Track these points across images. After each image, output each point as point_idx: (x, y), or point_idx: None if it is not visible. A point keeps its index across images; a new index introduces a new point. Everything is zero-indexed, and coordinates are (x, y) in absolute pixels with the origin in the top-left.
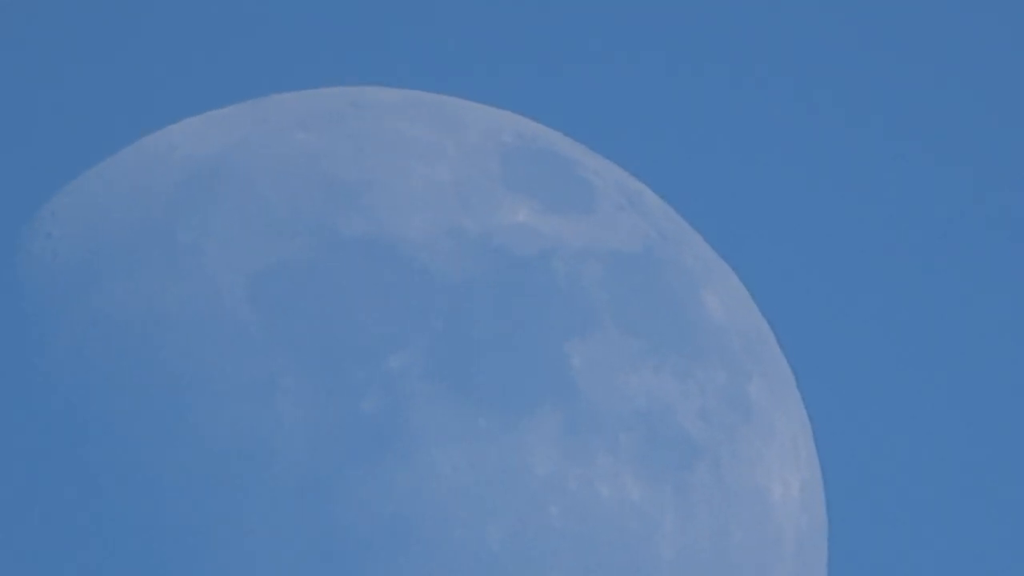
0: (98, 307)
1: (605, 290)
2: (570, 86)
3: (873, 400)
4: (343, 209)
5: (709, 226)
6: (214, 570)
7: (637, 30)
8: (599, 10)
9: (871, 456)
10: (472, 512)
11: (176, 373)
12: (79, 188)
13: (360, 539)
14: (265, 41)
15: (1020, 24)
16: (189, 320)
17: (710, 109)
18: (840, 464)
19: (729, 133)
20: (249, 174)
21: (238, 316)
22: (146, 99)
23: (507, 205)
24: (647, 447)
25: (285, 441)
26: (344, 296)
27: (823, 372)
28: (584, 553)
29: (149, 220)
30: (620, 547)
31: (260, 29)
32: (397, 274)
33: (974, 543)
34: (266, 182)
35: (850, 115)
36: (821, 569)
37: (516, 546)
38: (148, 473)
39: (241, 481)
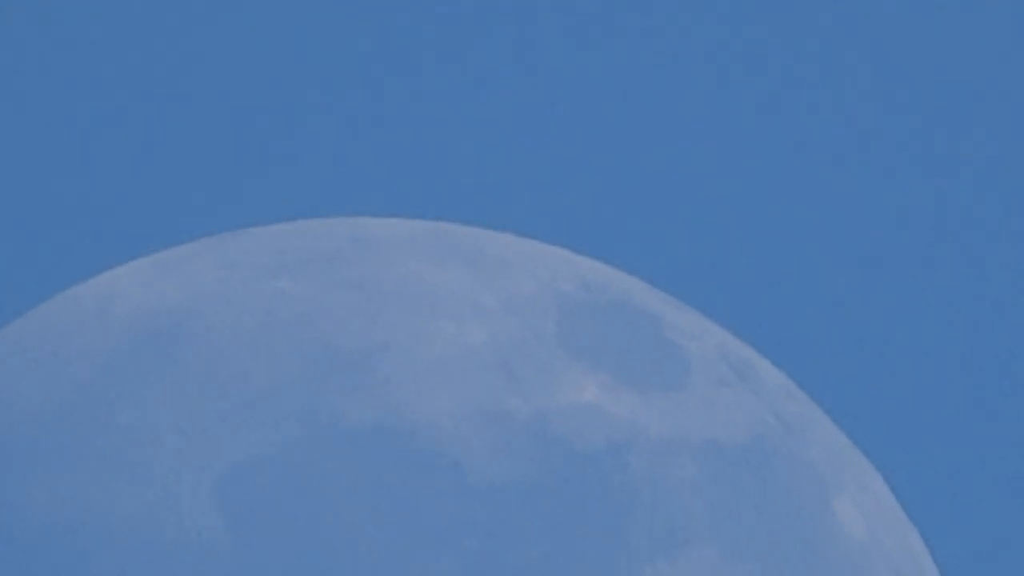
0: (7, 516)
1: (702, 495)
2: (650, 216)
3: None
4: (344, 386)
5: (843, 408)
6: None
7: (742, 141)
8: (682, 116)
9: None
10: None
11: None
12: None
13: None
14: (235, 157)
15: None
16: (135, 535)
17: (840, 251)
18: None
19: (867, 284)
20: (216, 337)
21: (202, 530)
22: (76, 236)
23: (567, 379)
24: None
25: None
26: (345, 506)
27: None
28: None
29: (80, 398)
30: None
31: (228, 141)
32: (418, 475)
33: None
34: (240, 347)
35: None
36: None
37: None
38: None
39: None
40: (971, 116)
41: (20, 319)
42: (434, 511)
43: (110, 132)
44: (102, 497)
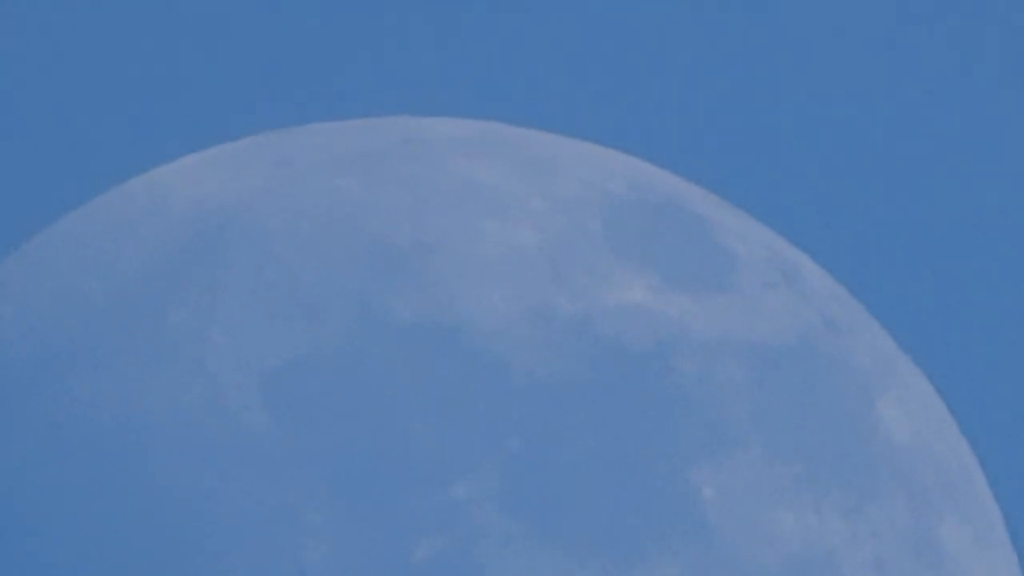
0: (60, 413)
1: (747, 397)
2: (700, 117)
3: None
4: (393, 283)
5: (893, 312)
6: None
7: (798, 38)
8: (735, 12)
9: None
10: None
11: (164, 503)
12: (34, 252)
13: None
14: (288, 54)
15: None
16: (183, 431)
17: (900, 150)
18: None
19: (923, 183)
20: (267, 234)
21: (250, 427)
22: (126, 129)
23: (614, 279)
24: None
25: None
26: (393, 402)
27: None
28: None
29: (130, 296)
30: None
31: (279, 37)
32: (464, 372)
33: None
34: (290, 245)
35: None
36: None
37: None
38: None
39: None
40: None
41: (72, 214)
42: (480, 409)
43: (162, 26)
44: (153, 396)
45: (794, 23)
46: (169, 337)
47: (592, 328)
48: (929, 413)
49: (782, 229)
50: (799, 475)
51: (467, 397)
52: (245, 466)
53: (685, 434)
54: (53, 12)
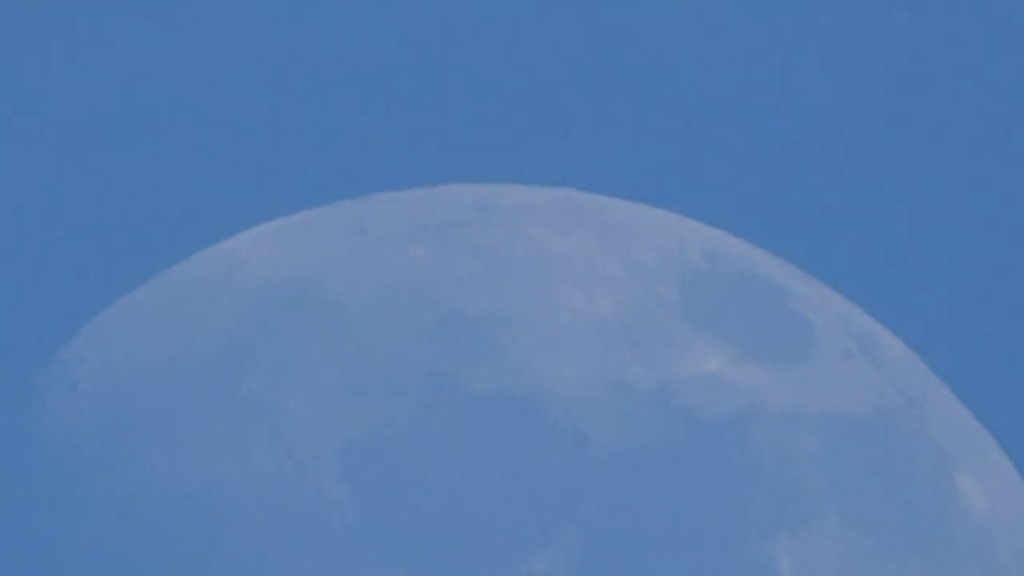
0: (135, 484)
1: (824, 469)
2: (777, 186)
3: None
4: (469, 355)
5: (969, 384)
6: None
7: (873, 111)
8: (814, 87)
9: None
10: None
11: (240, 574)
12: (111, 322)
13: None
14: (364, 124)
15: None
16: (259, 503)
17: (965, 223)
18: None
19: (993, 257)
20: (343, 305)
21: (327, 499)
22: (202, 200)
23: (691, 350)
24: None
25: None
26: (469, 474)
27: None
28: None
29: (205, 366)
30: None
31: (357, 107)
32: (540, 443)
33: None
34: (366, 316)
35: None
36: None
37: None
38: None
39: None
40: None
41: (150, 282)
42: (557, 480)
43: (242, 96)
44: (229, 467)
45: (866, 97)
46: (245, 408)
47: (669, 398)
48: (1005, 485)
49: (859, 299)
50: (876, 547)
51: (544, 469)
52: (321, 538)
53: (764, 505)
54: (131, 77)
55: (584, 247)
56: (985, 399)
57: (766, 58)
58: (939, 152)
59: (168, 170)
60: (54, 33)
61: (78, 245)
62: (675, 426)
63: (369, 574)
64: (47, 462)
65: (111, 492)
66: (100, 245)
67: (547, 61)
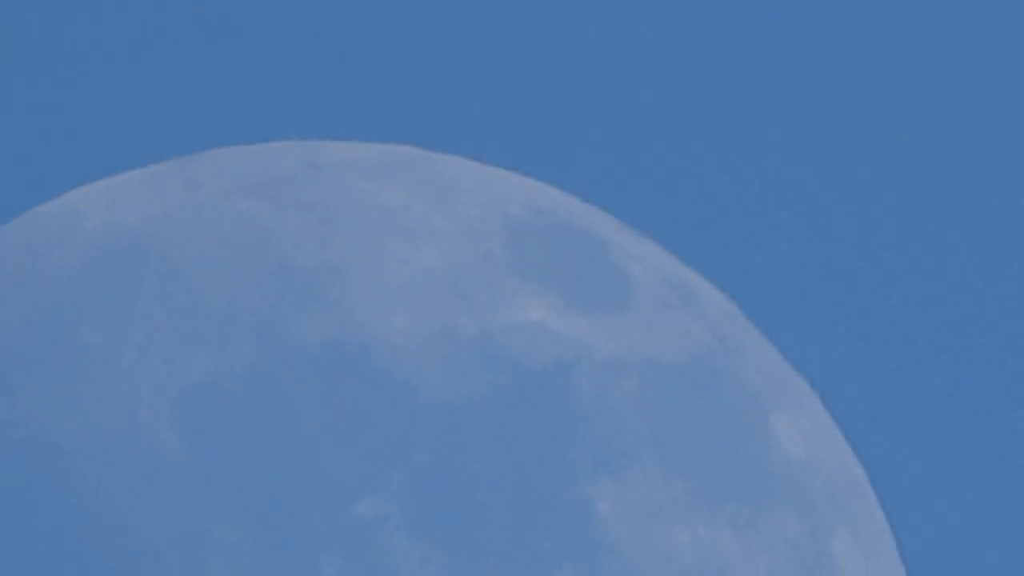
0: None
1: (643, 414)
2: (600, 140)
3: (987, 559)
4: (300, 305)
5: (784, 331)
6: None
7: (696, 68)
8: (645, 40)
9: None
10: None
11: (75, 522)
12: None
13: None
14: (197, 81)
15: None
16: (95, 452)
17: (794, 177)
18: None
19: (818, 209)
20: (176, 258)
21: (161, 446)
22: (38, 154)
23: (515, 300)
24: None
25: None
26: (300, 421)
27: (928, 524)
28: None
29: (42, 318)
30: None
31: (186, 63)
32: (370, 391)
33: None
34: (199, 269)
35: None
36: None
37: None
38: None
39: None
40: None
41: None
42: (386, 428)
43: (80, 51)
44: (65, 417)
45: (697, 39)
46: (81, 358)
47: (494, 348)
48: (820, 429)
49: (678, 250)
50: (694, 490)
51: (374, 416)
52: (155, 484)
53: (584, 451)
54: None
55: (411, 201)
56: (801, 348)
57: (585, 6)
58: (758, 106)
59: (10, 124)
60: None
61: None
62: (500, 374)
63: (201, 519)
64: None
65: None
66: None
67: (374, 16)
